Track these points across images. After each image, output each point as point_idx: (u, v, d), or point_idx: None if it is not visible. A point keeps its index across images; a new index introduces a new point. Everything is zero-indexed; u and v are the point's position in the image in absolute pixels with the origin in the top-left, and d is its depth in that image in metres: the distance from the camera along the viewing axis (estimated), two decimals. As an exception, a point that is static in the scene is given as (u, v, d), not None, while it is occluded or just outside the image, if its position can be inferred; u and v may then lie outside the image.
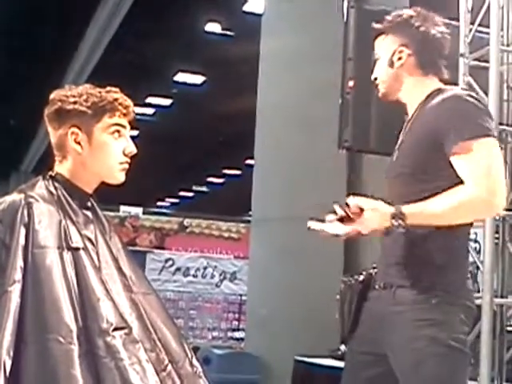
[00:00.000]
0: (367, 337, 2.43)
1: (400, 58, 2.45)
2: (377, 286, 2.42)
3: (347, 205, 2.26)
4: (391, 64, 2.46)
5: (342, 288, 2.53)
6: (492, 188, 2.19)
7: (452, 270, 2.32)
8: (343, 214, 2.25)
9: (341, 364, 2.68)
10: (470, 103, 2.30)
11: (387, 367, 2.33)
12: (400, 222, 2.19)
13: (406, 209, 2.21)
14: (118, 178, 2.11)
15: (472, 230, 2.46)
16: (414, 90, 2.45)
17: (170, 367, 1.95)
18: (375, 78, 2.52)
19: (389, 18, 2.50)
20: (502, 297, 3.85)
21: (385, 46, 2.49)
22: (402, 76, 2.46)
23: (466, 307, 2.32)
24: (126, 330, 1.86)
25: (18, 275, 1.81)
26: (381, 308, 2.37)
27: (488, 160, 2.22)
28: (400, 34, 2.46)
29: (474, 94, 2.38)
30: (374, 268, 2.48)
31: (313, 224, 2.33)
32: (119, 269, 2.03)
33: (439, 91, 2.38)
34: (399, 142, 2.48)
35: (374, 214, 2.23)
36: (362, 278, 2.49)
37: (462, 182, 2.23)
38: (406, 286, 2.31)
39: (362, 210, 2.24)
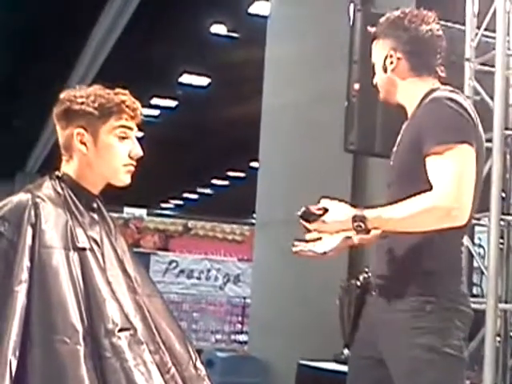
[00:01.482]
0: (367, 341, 2.41)
1: (392, 63, 2.41)
2: (373, 292, 2.41)
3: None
4: (385, 69, 2.43)
5: (341, 293, 2.52)
6: (457, 197, 2.13)
7: (445, 276, 2.30)
8: (305, 209, 2.29)
9: (344, 368, 2.67)
10: (449, 108, 2.23)
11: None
12: (361, 223, 2.19)
13: (368, 212, 2.20)
14: (123, 179, 2.11)
15: (476, 235, 2.44)
16: (409, 93, 2.41)
17: (173, 370, 1.95)
18: (376, 83, 2.50)
19: (381, 21, 2.46)
20: (506, 302, 3.84)
21: (378, 51, 2.46)
22: (395, 80, 2.42)
23: (460, 312, 2.29)
24: (131, 331, 1.86)
25: (25, 275, 1.82)
26: (377, 314, 2.36)
27: (459, 167, 2.17)
28: (389, 38, 2.41)
29: (457, 96, 2.29)
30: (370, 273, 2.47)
31: (298, 246, 2.43)
32: (124, 270, 2.03)
33: (430, 92, 2.34)
34: (395, 146, 2.45)
35: (337, 215, 2.25)
36: (359, 282, 2.47)
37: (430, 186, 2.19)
38: (400, 294, 2.29)
39: (326, 210, 2.26)
